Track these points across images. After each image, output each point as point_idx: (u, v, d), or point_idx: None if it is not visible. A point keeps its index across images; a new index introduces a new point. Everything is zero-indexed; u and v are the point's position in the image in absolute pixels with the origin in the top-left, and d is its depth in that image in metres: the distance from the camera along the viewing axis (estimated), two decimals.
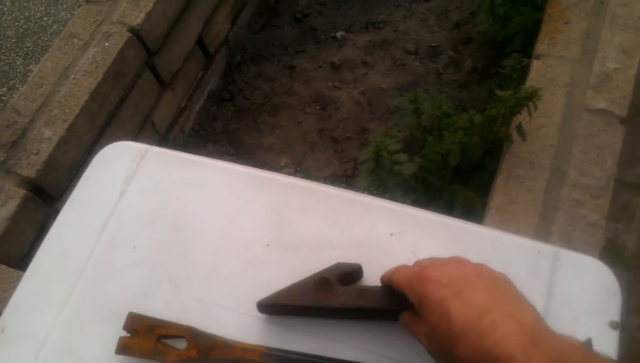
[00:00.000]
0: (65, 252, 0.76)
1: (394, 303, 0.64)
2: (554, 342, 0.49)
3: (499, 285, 0.56)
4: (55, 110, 1.57)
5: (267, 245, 0.74)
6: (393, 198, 1.53)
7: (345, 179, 1.95)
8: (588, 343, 0.65)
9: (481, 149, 1.49)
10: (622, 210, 1.80)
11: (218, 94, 2.19)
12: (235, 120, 2.13)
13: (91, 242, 0.75)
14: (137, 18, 1.70)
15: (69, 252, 0.76)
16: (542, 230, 1.31)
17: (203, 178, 0.79)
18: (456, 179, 1.63)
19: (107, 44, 1.67)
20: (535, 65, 1.56)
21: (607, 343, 0.67)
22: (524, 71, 1.59)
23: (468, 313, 0.52)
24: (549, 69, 1.54)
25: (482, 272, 0.57)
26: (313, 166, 1.98)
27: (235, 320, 0.69)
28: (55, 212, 1.51)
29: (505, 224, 1.33)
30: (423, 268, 0.59)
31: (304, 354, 0.66)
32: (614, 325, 0.69)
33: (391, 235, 0.75)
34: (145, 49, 1.74)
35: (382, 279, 0.66)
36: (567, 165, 1.39)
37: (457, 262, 0.59)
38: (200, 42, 2.02)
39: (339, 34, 2.29)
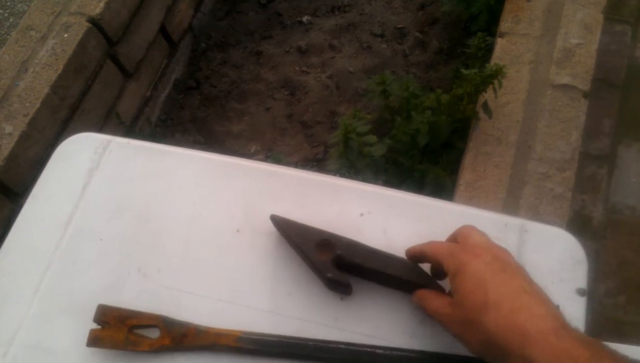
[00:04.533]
0: (30, 248, 0.74)
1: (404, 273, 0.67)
2: (580, 334, 0.53)
3: (533, 281, 0.58)
4: (15, 104, 1.52)
5: (237, 231, 0.74)
6: (364, 180, 1.53)
7: (316, 162, 1.95)
8: None
9: (449, 128, 1.50)
10: (587, 182, 1.84)
11: (184, 83, 2.15)
12: (202, 109, 2.10)
13: (56, 236, 0.74)
14: (96, 8, 1.65)
15: (34, 247, 0.74)
16: (510, 205, 1.33)
17: (168, 167, 0.78)
18: (426, 158, 1.65)
19: (66, 35, 1.62)
20: (500, 44, 1.57)
21: (575, 309, 0.69)
22: (489, 50, 1.61)
23: (504, 289, 0.55)
24: (513, 46, 1.56)
25: (520, 267, 0.60)
26: (284, 151, 1.97)
27: (208, 307, 0.69)
28: (20, 209, 1.47)
29: (475, 200, 1.35)
30: (468, 244, 0.61)
31: (279, 336, 0.66)
32: (581, 292, 0.70)
33: (361, 215, 0.75)
34: (106, 39, 1.70)
35: (411, 251, 0.67)
36: (533, 140, 1.41)
37: (502, 249, 0.61)
38: (163, 30, 1.99)
39: (304, 19, 2.27)
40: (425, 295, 0.64)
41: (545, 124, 1.43)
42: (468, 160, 1.41)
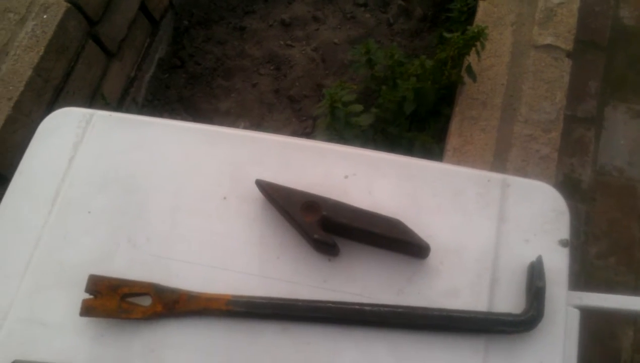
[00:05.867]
0: (19, 223, 0.75)
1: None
2: None
3: None
4: None
5: (224, 198, 0.75)
6: None
7: (305, 136, 1.95)
8: (538, 262, 0.68)
9: (435, 94, 1.50)
10: (576, 145, 1.86)
11: (168, 61, 2.14)
12: (189, 87, 2.09)
13: (45, 210, 0.74)
14: None
15: (23, 223, 0.74)
16: (498, 167, 1.35)
17: (152, 138, 0.78)
18: (413, 126, 1.65)
19: (45, 16, 1.61)
20: (482, 6, 1.57)
21: (558, 260, 0.70)
22: (472, 13, 1.60)
23: None
24: (495, 8, 1.55)
25: None
26: (272, 127, 1.97)
27: (198, 273, 0.70)
28: None
29: (462, 165, 1.36)
30: None
31: (269, 298, 0.67)
32: (563, 243, 0.72)
33: (346, 177, 0.76)
34: (87, 18, 1.68)
35: None
36: (518, 103, 1.42)
37: None
38: (143, 9, 1.96)
39: None
40: None
41: (529, 86, 1.43)
42: (455, 125, 1.41)
